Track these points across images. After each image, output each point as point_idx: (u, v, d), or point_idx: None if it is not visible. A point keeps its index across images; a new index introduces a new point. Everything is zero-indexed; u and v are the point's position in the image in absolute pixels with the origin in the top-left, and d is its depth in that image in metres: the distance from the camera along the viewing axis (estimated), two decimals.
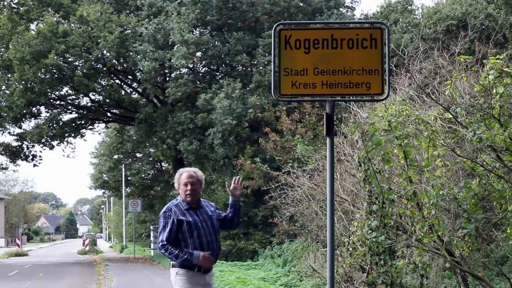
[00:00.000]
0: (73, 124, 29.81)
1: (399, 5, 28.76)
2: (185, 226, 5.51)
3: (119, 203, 58.39)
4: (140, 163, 38.26)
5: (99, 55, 25.65)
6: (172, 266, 5.61)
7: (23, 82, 26.23)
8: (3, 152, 29.78)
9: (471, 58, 7.64)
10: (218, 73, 26.54)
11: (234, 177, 5.89)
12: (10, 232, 69.17)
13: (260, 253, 21.49)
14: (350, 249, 7.88)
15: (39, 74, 25.73)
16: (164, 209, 5.65)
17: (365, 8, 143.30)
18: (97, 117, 31.24)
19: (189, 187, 5.59)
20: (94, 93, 29.15)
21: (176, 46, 23.87)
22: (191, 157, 24.72)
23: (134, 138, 30.49)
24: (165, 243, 5.50)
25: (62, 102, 29.52)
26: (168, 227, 5.51)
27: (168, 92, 24.29)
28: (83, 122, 30.75)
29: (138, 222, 41.31)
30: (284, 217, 15.03)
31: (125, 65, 27.08)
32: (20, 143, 29.80)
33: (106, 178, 41.46)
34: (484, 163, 6.87)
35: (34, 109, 28.91)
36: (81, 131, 30.87)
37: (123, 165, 38.59)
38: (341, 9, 26.85)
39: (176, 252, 5.46)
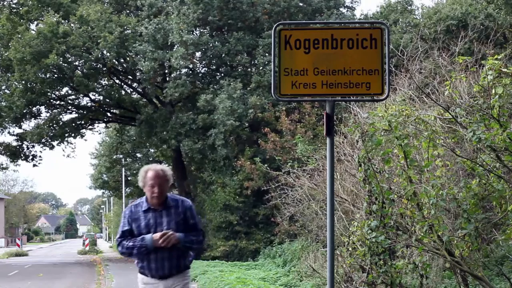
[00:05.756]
0: (73, 124, 29.81)
1: (399, 5, 28.77)
2: (135, 229, 5.07)
3: (119, 203, 58.37)
4: (140, 163, 38.24)
5: (99, 55, 25.64)
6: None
7: (23, 82, 26.24)
8: (3, 152, 29.77)
9: (470, 59, 7.64)
10: (218, 74, 26.54)
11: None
12: (10, 232, 69.18)
13: (261, 253, 21.48)
14: (350, 249, 7.87)
15: (40, 74, 25.72)
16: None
17: (365, 8, 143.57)
18: (97, 117, 31.24)
19: (156, 189, 5.03)
20: (94, 93, 29.17)
21: (175, 46, 23.86)
22: (195, 156, 24.70)
23: (134, 138, 30.48)
24: (119, 239, 5.10)
25: (62, 102, 29.53)
26: (121, 227, 5.16)
27: (165, 93, 24.27)
28: (83, 122, 30.75)
29: None
30: (285, 217, 15.03)
31: (125, 65, 27.08)
32: (20, 143, 29.80)
33: (106, 178, 41.42)
34: (484, 163, 6.86)
35: (34, 109, 28.91)
36: (81, 131, 30.89)
37: (122, 165, 38.54)
38: (341, 9, 26.89)
39: (131, 243, 4.99)
